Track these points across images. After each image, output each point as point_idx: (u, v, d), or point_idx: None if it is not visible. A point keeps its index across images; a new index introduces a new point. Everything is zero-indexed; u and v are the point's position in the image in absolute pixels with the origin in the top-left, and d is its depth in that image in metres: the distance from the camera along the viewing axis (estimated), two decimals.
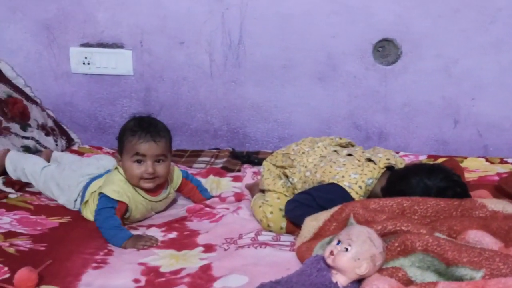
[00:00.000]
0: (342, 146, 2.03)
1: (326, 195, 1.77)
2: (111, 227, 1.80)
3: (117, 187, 1.87)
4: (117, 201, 1.85)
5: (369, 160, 1.87)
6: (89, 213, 1.97)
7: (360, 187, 1.78)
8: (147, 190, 1.92)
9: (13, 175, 2.15)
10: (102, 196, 1.86)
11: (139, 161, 1.86)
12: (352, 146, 2.06)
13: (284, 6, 2.50)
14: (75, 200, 2.01)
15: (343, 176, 1.80)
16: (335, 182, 1.79)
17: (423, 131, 2.59)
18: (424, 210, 1.61)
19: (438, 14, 2.45)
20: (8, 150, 2.21)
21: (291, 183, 1.94)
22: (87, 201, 1.97)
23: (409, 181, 1.70)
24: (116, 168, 1.93)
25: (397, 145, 2.57)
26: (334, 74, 2.56)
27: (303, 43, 2.54)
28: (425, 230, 1.48)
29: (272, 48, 2.55)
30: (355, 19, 2.48)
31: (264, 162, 2.04)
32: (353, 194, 1.77)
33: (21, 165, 2.13)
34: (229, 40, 2.56)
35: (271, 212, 1.86)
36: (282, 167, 1.98)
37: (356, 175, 1.80)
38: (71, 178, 2.03)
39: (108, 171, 2.03)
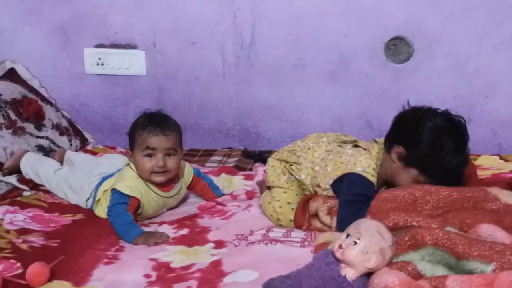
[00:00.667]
0: (346, 143, 2.04)
1: (352, 193, 1.77)
2: (124, 223, 1.82)
3: (129, 183, 1.89)
4: (130, 196, 1.87)
5: (374, 141, 1.91)
6: (101, 212, 1.99)
7: (374, 169, 1.80)
8: (159, 185, 1.93)
9: (26, 176, 2.18)
10: (115, 192, 1.88)
11: (149, 155, 1.88)
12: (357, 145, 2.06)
13: (296, 6, 2.51)
14: (87, 200, 2.03)
15: (354, 163, 1.82)
16: (348, 171, 1.80)
17: None
18: (436, 201, 1.60)
19: (450, 12, 2.44)
20: (25, 151, 2.25)
21: (298, 180, 1.94)
22: (99, 200, 1.99)
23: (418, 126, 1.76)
24: (128, 164, 1.95)
25: None
26: (346, 73, 2.56)
27: (315, 42, 2.54)
28: (436, 224, 1.47)
29: (284, 48, 2.56)
30: (366, 18, 2.48)
31: (269, 159, 2.04)
32: (369, 177, 1.78)
33: (36, 167, 2.17)
34: (241, 40, 2.57)
35: (280, 207, 1.87)
36: (286, 161, 1.98)
37: (367, 159, 1.82)
38: (82, 179, 2.06)
39: (119, 170, 2.05)
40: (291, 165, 1.97)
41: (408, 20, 2.47)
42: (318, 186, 1.88)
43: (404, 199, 1.59)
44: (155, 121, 1.89)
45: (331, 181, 1.84)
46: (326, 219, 1.78)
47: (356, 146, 1.92)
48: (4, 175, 2.18)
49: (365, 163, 1.81)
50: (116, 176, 1.97)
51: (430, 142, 1.74)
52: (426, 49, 2.49)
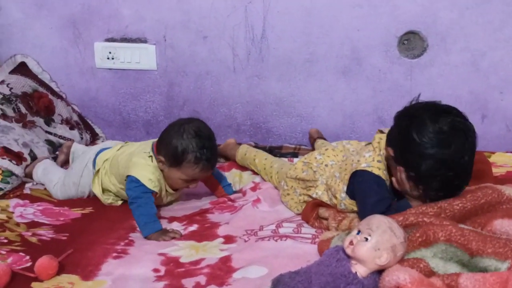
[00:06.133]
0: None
1: (370, 203, 1.68)
2: (149, 214, 1.82)
3: (151, 175, 1.87)
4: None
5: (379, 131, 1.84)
6: (97, 186, 1.99)
7: (379, 161, 1.73)
8: None
9: (35, 176, 2.16)
10: (136, 181, 1.85)
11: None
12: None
13: None
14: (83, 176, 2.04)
15: (358, 160, 1.77)
16: (354, 170, 1.75)
17: None
18: (451, 217, 1.54)
19: (465, 6, 2.40)
20: (45, 158, 2.23)
21: (315, 198, 1.88)
22: (98, 172, 1.98)
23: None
24: (151, 156, 1.91)
25: None
26: (359, 68, 2.53)
27: (327, 36, 2.51)
28: (448, 221, 1.44)
29: (295, 42, 2.53)
30: (379, 12, 2.44)
31: (286, 179, 1.97)
32: (375, 171, 1.71)
33: (47, 170, 2.15)
34: (252, 34, 2.55)
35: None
36: (303, 180, 1.92)
37: (369, 153, 1.77)
38: (79, 165, 2.07)
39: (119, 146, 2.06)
40: (309, 186, 1.91)
41: (422, 14, 2.43)
42: (335, 197, 1.81)
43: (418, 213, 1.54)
44: (209, 156, 1.85)
45: (344, 188, 1.78)
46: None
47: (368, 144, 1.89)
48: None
49: (369, 157, 1.75)
50: (132, 160, 1.90)
51: (413, 157, 1.60)
52: (440, 43, 2.45)
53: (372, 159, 1.74)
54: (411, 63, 2.49)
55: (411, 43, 2.48)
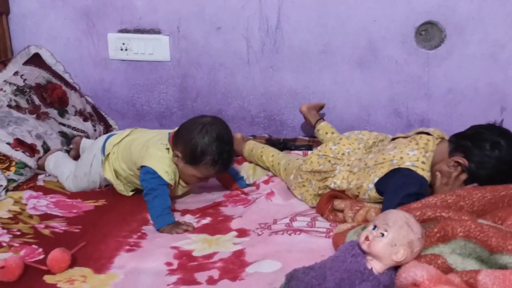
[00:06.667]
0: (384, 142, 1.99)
1: (404, 194, 1.67)
2: (164, 207, 1.81)
3: (167, 167, 1.87)
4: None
5: (422, 133, 1.81)
6: (108, 171, 1.98)
7: (423, 162, 1.73)
8: None
9: (47, 167, 2.15)
10: (153, 173, 1.84)
11: None
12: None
13: None
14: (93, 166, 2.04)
15: (401, 158, 1.75)
16: (397, 166, 1.73)
17: (468, 119, 2.47)
18: (470, 206, 1.53)
19: None
20: (57, 150, 2.22)
21: (333, 188, 1.86)
22: (108, 156, 1.98)
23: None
24: (168, 149, 1.90)
25: None
26: (375, 59, 2.48)
27: (342, 27, 2.47)
28: (467, 216, 1.40)
29: (310, 33, 2.49)
30: (396, 2, 2.40)
31: (301, 173, 1.94)
32: (419, 172, 1.71)
33: (59, 163, 2.15)
34: (266, 25, 2.52)
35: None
36: (320, 172, 1.90)
37: (414, 151, 1.75)
38: (88, 155, 2.07)
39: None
40: (325, 177, 1.88)
41: (440, 4, 2.37)
42: (360, 187, 1.79)
43: (436, 207, 1.52)
44: (225, 159, 1.86)
45: (376, 179, 1.75)
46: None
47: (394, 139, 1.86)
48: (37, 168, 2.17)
49: (413, 156, 1.74)
50: (148, 150, 1.90)
51: (490, 173, 1.69)
52: (459, 34, 2.40)
53: (417, 158, 1.74)
54: (428, 54, 2.44)
55: (429, 33, 2.43)
